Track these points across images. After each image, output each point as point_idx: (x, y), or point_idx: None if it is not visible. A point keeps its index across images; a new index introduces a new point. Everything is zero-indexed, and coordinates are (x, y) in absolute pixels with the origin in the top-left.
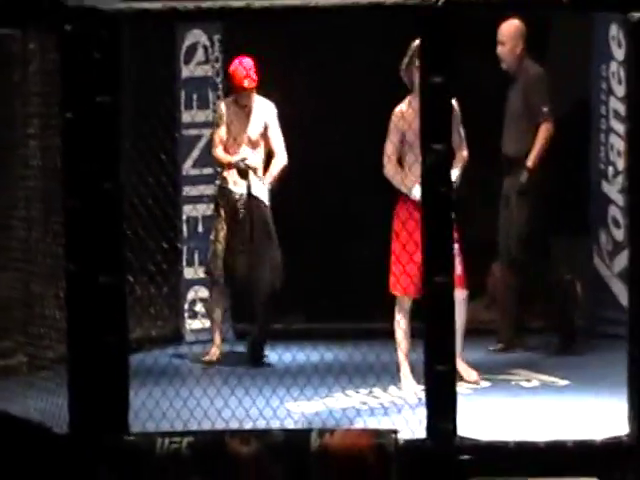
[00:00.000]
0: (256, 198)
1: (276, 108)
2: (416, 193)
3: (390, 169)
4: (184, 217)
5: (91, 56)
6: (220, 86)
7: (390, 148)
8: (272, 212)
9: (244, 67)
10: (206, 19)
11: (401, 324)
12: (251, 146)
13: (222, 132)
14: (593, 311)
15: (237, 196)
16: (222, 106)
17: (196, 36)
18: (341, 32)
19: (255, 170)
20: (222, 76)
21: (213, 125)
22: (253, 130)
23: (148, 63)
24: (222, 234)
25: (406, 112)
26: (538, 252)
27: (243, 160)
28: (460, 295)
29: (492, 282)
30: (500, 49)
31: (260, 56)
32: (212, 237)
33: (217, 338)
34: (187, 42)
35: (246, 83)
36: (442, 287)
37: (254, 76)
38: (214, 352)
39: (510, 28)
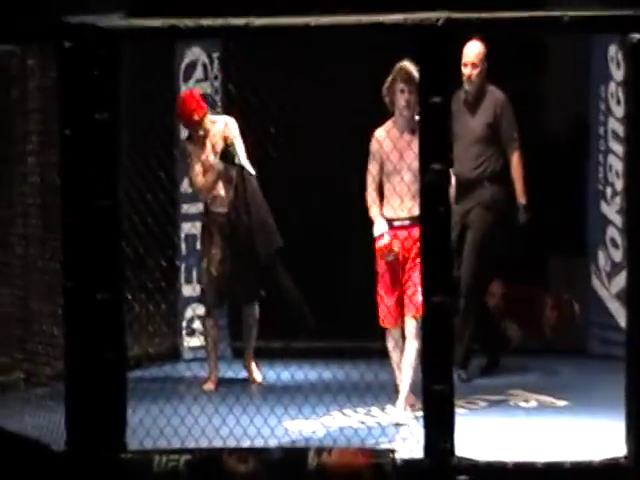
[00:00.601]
0: (243, 168)
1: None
2: (376, 230)
3: (368, 198)
4: (182, 234)
5: (90, 73)
6: (219, 104)
7: (369, 176)
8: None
9: (190, 101)
10: (206, 37)
11: (392, 353)
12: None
13: (197, 168)
14: (591, 331)
15: (223, 217)
16: (187, 147)
17: (195, 54)
18: (339, 52)
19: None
20: (221, 94)
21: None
22: (214, 152)
23: (147, 80)
24: (216, 259)
25: (382, 137)
26: (485, 270)
27: (223, 151)
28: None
29: (492, 302)
30: (470, 71)
31: (258, 73)
32: (204, 264)
33: (213, 365)
34: (186, 59)
35: (195, 117)
36: (440, 307)
37: (202, 104)
38: (213, 380)
39: (480, 49)
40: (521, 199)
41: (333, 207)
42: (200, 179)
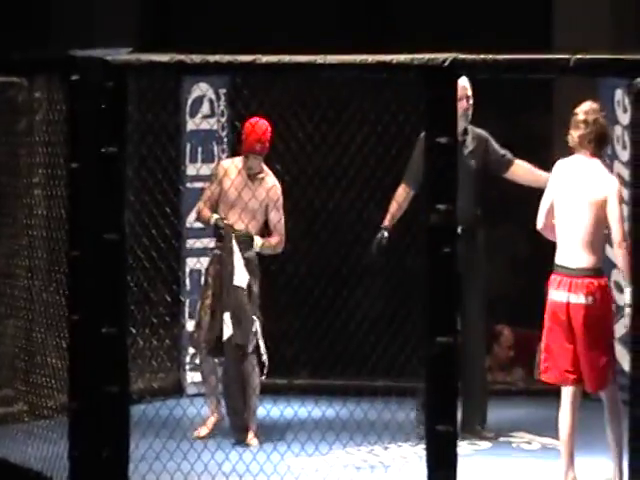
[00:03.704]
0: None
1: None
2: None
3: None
4: (187, 270)
5: (97, 106)
6: (225, 140)
7: (548, 215)
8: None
9: (260, 129)
10: (213, 73)
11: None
12: (250, 215)
13: (215, 190)
14: None
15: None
16: (224, 165)
17: (202, 89)
18: (347, 90)
19: (247, 237)
20: (227, 130)
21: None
22: (253, 202)
23: (154, 115)
24: (207, 303)
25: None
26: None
27: (222, 220)
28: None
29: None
30: (467, 104)
31: (265, 112)
32: (198, 306)
33: (212, 408)
34: (193, 95)
35: (258, 147)
36: (444, 347)
37: (267, 141)
38: (210, 423)
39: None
40: None
41: (342, 244)
42: (200, 214)
